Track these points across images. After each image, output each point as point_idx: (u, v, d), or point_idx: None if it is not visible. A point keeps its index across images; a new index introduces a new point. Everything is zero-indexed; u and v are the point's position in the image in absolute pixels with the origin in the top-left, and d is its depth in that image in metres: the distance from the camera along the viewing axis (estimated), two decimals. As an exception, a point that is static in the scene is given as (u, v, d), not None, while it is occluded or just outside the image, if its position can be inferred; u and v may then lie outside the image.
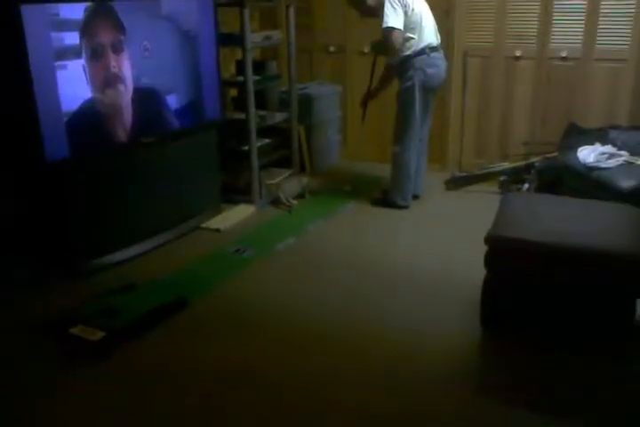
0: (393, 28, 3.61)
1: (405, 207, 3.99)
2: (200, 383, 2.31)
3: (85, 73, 2.90)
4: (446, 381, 2.30)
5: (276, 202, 4.15)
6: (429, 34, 3.78)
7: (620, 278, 2.31)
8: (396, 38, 3.63)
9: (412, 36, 3.71)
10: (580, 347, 2.47)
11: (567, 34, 4.21)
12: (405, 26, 3.67)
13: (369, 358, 2.46)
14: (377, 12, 3.70)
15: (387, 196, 4.06)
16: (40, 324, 2.67)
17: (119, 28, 3.03)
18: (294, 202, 4.13)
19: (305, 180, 4.30)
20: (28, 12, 2.57)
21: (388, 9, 3.61)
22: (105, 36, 2.97)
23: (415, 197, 4.16)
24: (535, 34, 4.28)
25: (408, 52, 3.74)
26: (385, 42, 3.68)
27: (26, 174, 2.99)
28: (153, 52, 3.24)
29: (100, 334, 2.51)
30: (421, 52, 3.74)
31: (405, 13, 3.64)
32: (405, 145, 3.90)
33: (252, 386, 2.29)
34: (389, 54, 3.85)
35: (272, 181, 4.23)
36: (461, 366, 2.41)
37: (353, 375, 2.35)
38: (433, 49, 3.78)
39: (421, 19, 3.72)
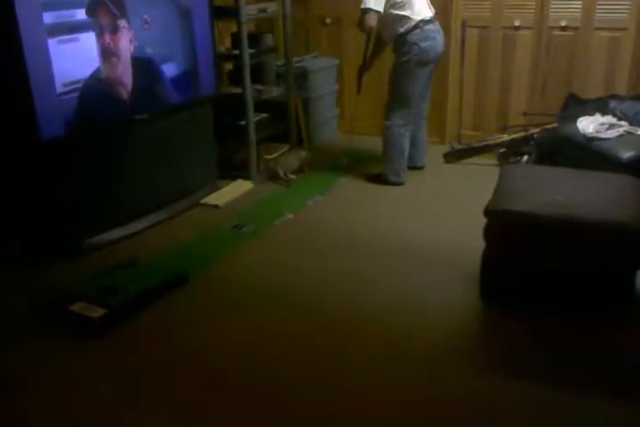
0: (369, 10, 3.58)
1: (399, 184, 3.97)
2: (200, 359, 2.32)
3: (83, 50, 2.86)
4: (448, 355, 2.31)
5: (274, 177, 4.13)
6: (421, 8, 3.70)
7: (620, 249, 2.30)
8: (369, 19, 3.61)
9: (403, 13, 3.65)
10: (581, 319, 2.47)
11: (566, 3, 4.14)
12: (394, 3, 3.63)
13: (368, 333, 2.46)
14: None
15: (381, 172, 4.04)
16: (39, 302, 2.66)
17: (120, 2, 2.99)
18: (292, 177, 4.11)
19: (303, 154, 4.27)
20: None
21: None
22: (106, 12, 2.92)
23: (419, 167, 4.17)
24: (534, 3, 4.21)
25: (402, 30, 3.68)
26: (359, 21, 3.69)
27: (20, 152, 2.96)
28: (152, 26, 3.19)
29: (100, 311, 2.51)
30: (415, 27, 3.67)
31: None
32: (396, 121, 3.86)
33: (252, 364, 2.30)
34: (363, 33, 3.83)
35: (269, 156, 4.21)
36: (462, 341, 2.41)
37: (353, 350, 2.35)
38: (427, 22, 3.69)
39: None
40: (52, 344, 2.42)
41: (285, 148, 4.35)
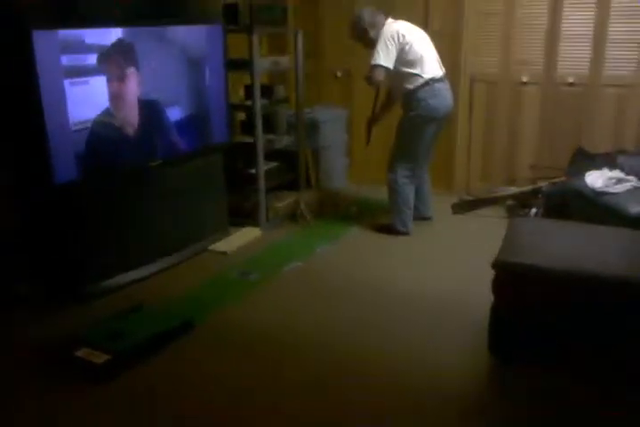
0: (379, 66, 3.67)
1: (405, 234, 3.98)
2: (205, 408, 2.29)
3: (97, 97, 2.94)
4: (453, 413, 2.26)
5: (294, 216, 4.25)
6: (432, 66, 3.78)
7: (630, 305, 2.28)
8: (378, 75, 3.70)
9: (413, 71, 3.73)
10: (590, 374, 2.43)
11: (574, 59, 4.24)
12: (404, 62, 3.71)
13: (373, 387, 2.42)
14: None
15: (389, 223, 4.05)
16: (45, 346, 2.66)
17: (133, 51, 3.08)
18: (309, 217, 4.21)
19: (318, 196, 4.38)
20: (38, 36, 2.63)
21: (380, 46, 3.67)
22: (118, 60, 3.02)
23: (427, 218, 4.20)
24: (542, 59, 4.31)
25: (411, 87, 3.76)
26: (368, 76, 3.77)
27: (33, 196, 3.01)
28: (164, 77, 3.29)
29: (104, 358, 2.50)
30: (424, 84, 3.74)
31: (402, 50, 3.68)
32: (400, 173, 3.89)
33: (256, 412, 2.26)
34: (372, 87, 3.93)
35: (280, 204, 4.27)
36: (468, 397, 2.36)
37: (357, 404, 2.31)
38: (437, 80, 3.77)
39: (422, 52, 3.74)
40: (56, 390, 2.40)
41: (299, 194, 4.42)
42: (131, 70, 3.10)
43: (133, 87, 3.13)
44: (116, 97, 3.05)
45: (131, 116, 3.15)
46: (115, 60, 3.01)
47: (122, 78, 3.06)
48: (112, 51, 2.98)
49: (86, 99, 2.91)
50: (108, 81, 2.99)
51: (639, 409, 2.26)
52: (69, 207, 3.00)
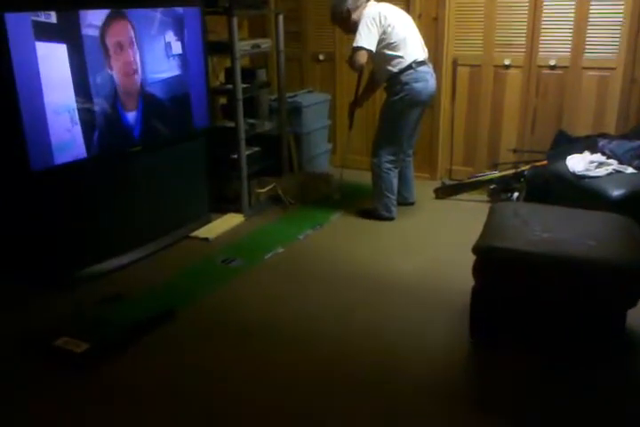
0: (361, 48, 3.62)
1: (389, 219, 3.97)
2: (187, 396, 2.28)
3: (72, 82, 2.88)
4: (433, 395, 2.27)
5: (278, 201, 4.24)
6: (415, 49, 3.75)
7: (609, 288, 2.30)
8: (360, 58, 3.64)
9: (396, 53, 3.70)
10: (569, 357, 2.45)
11: (556, 43, 4.22)
12: (387, 44, 3.67)
13: (354, 371, 2.42)
14: None
15: (372, 207, 4.05)
16: (25, 336, 2.63)
17: (111, 34, 3.03)
18: (291, 201, 4.21)
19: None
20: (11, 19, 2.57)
21: (362, 28, 3.62)
22: (96, 44, 2.96)
23: (410, 203, 4.20)
24: (524, 43, 4.29)
25: (394, 70, 3.72)
26: (349, 59, 3.73)
27: (10, 183, 2.96)
28: (142, 61, 3.23)
29: (84, 346, 2.48)
30: (408, 67, 3.71)
31: (384, 32, 3.64)
32: (384, 158, 3.87)
33: (237, 397, 2.26)
34: (354, 71, 3.88)
35: (261, 190, 4.24)
36: (449, 379, 2.37)
37: (337, 389, 2.32)
38: (420, 63, 3.74)
39: (404, 35, 3.70)
40: (35, 380, 2.38)
41: (274, 182, 4.40)
42: (110, 53, 3.04)
43: (111, 71, 3.08)
44: (94, 82, 2.99)
45: (109, 102, 3.09)
46: (93, 43, 2.94)
47: (100, 62, 3.00)
48: (89, 33, 2.91)
49: (62, 83, 2.84)
50: (86, 65, 2.93)
51: (614, 392, 2.29)
52: (46, 194, 2.95)
